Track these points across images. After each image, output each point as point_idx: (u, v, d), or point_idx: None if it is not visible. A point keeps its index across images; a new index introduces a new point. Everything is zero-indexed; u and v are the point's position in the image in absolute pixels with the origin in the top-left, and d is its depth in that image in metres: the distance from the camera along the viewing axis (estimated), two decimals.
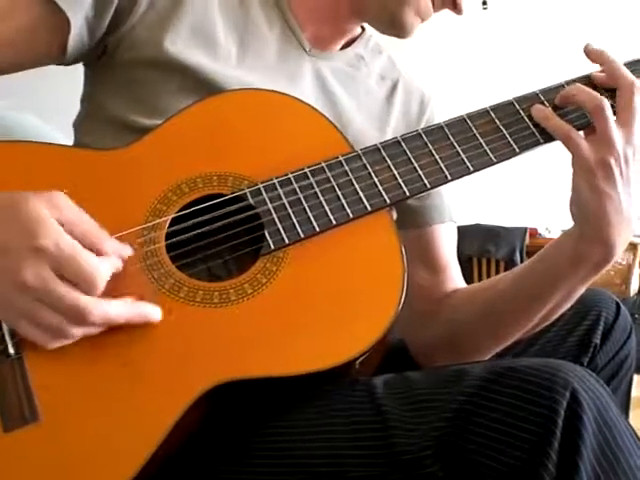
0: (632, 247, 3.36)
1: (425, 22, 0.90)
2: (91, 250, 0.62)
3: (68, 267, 0.59)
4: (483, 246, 3.24)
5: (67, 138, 0.87)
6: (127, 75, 0.81)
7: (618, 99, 0.75)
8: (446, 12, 0.91)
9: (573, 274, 0.77)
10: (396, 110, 0.96)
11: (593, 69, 0.81)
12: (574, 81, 0.80)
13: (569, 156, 0.75)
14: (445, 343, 0.91)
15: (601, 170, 0.72)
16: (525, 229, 3.25)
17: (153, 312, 0.64)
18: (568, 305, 0.82)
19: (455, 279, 0.97)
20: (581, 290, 0.80)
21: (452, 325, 0.91)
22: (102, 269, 0.61)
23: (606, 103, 0.73)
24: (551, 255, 0.80)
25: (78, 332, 0.61)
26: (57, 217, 0.60)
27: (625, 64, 0.80)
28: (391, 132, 0.94)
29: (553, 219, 3.60)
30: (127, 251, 0.66)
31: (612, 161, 0.72)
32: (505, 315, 0.85)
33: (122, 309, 0.63)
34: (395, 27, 0.89)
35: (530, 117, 0.78)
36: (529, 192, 3.66)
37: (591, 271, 0.77)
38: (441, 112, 0.98)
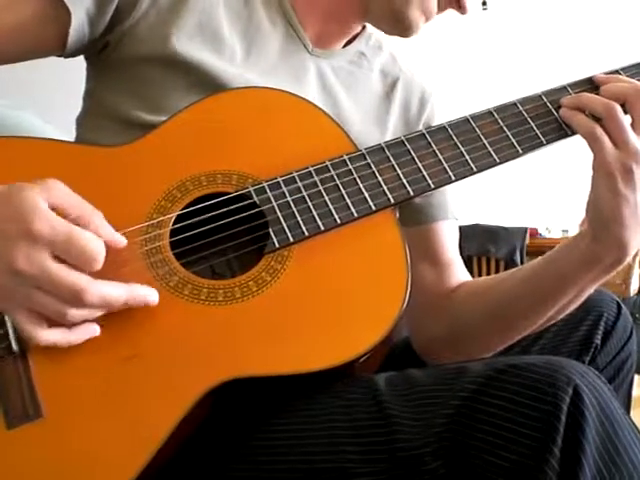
0: None
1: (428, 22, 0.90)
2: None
3: (65, 247, 0.59)
4: (483, 246, 3.23)
5: (67, 137, 0.86)
6: (130, 71, 0.81)
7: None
8: (447, 12, 0.91)
9: (585, 275, 0.77)
10: (395, 107, 0.96)
11: (594, 70, 0.81)
12: (576, 84, 0.80)
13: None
14: (450, 340, 0.91)
15: (622, 173, 0.72)
16: (525, 229, 3.25)
17: (150, 294, 0.64)
18: (576, 305, 0.82)
19: (459, 274, 0.97)
20: (590, 290, 0.80)
21: (457, 322, 0.91)
22: (100, 245, 0.61)
23: (617, 107, 0.73)
24: (563, 255, 0.80)
25: (76, 314, 0.61)
26: (50, 201, 0.60)
27: (624, 68, 0.81)
28: (391, 129, 0.94)
29: (553, 219, 3.60)
30: (121, 240, 0.65)
31: (634, 166, 0.72)
32: (513, 315, 0.85)
33: (119, 290, 0.62)
34: (400, 25, 0.89)
35: (533, 118, 0.78)
36: (529, 192, 3.66)
37: (602, 272, 0.77)
38: (443, 112, 0.98)
